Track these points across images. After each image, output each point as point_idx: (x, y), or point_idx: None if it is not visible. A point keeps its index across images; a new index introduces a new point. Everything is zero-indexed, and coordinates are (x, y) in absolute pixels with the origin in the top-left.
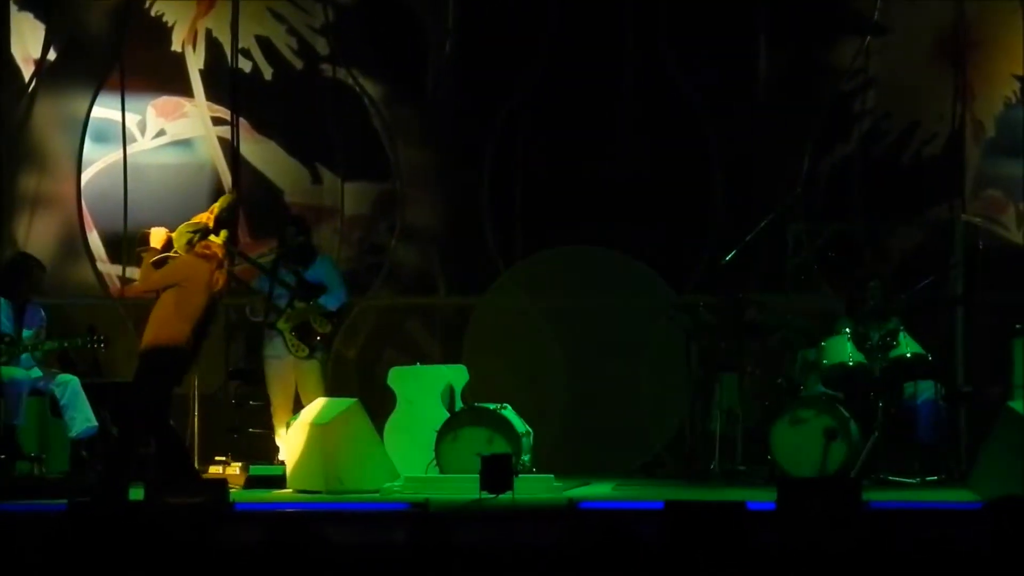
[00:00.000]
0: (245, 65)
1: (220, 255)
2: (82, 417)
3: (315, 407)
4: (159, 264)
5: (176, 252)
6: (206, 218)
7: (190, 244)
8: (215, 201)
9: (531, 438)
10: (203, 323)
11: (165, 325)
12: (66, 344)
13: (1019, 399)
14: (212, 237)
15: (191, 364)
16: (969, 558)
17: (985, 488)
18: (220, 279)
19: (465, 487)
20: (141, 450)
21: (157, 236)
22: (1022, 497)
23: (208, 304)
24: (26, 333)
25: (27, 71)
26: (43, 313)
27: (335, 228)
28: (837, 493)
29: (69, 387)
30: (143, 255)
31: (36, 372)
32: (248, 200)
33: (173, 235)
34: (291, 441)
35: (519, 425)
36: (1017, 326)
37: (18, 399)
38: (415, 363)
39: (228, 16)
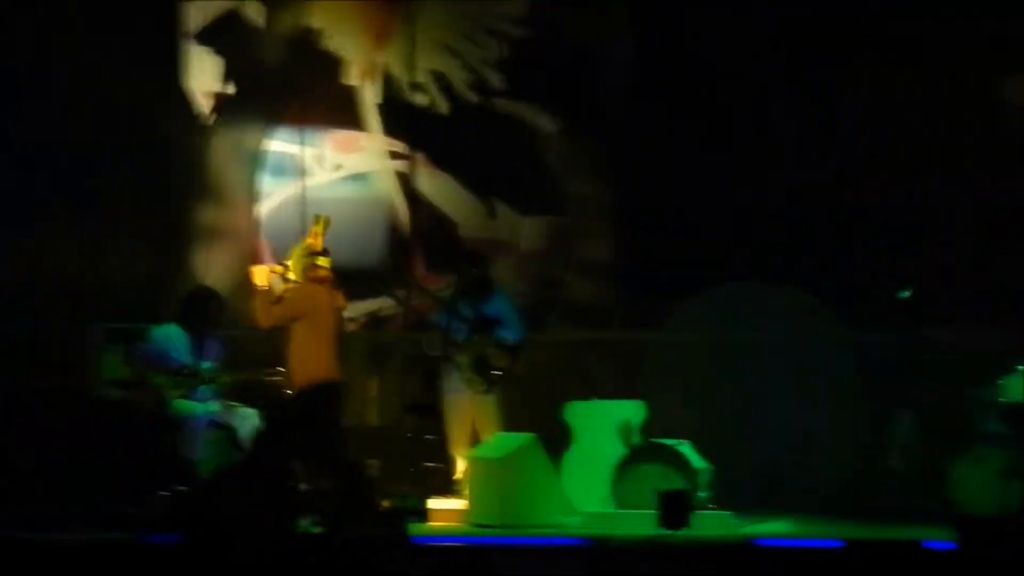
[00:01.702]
0: (421, 99)
1: (330, 275)
2: None
3: (492, 442)
4: (276, 300)
5: (291, 281)
6: (311, 241)
7: (309, 269)
8: (390, 234)
9: (709, 474)
10: (337, 346)
11: (312, 359)
12: (244, 377)
13: None
14: (320, 259)
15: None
16: None
17: None
18: (338, 298)
19: (642, 523)
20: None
21: (260, 274)
22: None
23: (336, 326)
24: (205, 365)
25: (206, 104)
26: (221, 345)
27: (511, 263)
28: (1017, 532)
29: (248, 421)
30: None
31: (213, 406)
32: (424, 234)
33: (290, 263)
34: (469, 476)
35: (696, 461)
36: None
37: (197, 433)
38: (592, 398)
39: (403, 50)
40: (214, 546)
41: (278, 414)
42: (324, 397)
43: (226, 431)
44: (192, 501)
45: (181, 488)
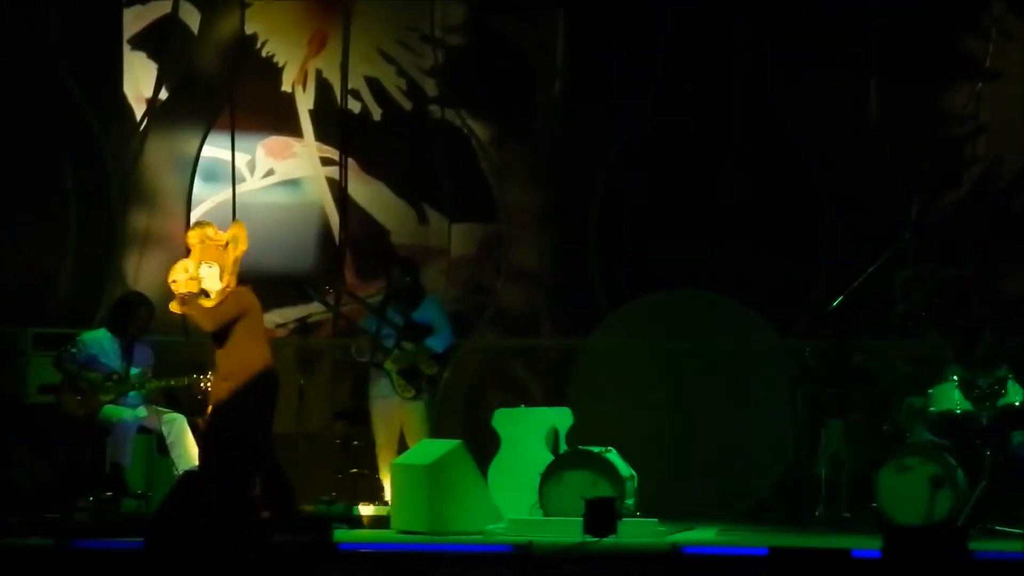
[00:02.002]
0: (354, 106)
1: None
2: (188, 455)
3: (419, 448)
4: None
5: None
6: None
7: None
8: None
9: (635, 482)
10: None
11: (249, 353)
12: (172, 383)
13: None
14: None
15: None
16: None
17: None
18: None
19: (568, 530)
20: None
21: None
22: None
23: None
24: (134, 371)
25: (139, 110)
26: (151, 351)
27: (442, 269)
28: (944, 542)
29: (175, 425)
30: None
31: (141, 411)
32: (355, 241)
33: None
34: (395, 482)
35: (623, 469)
36: None
37: (126, 439)
38: (520, 405)
39: (338, 57)
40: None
41: (227, 415)
42: (268, 386)
43: (155, 436)
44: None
45: (108, 493)
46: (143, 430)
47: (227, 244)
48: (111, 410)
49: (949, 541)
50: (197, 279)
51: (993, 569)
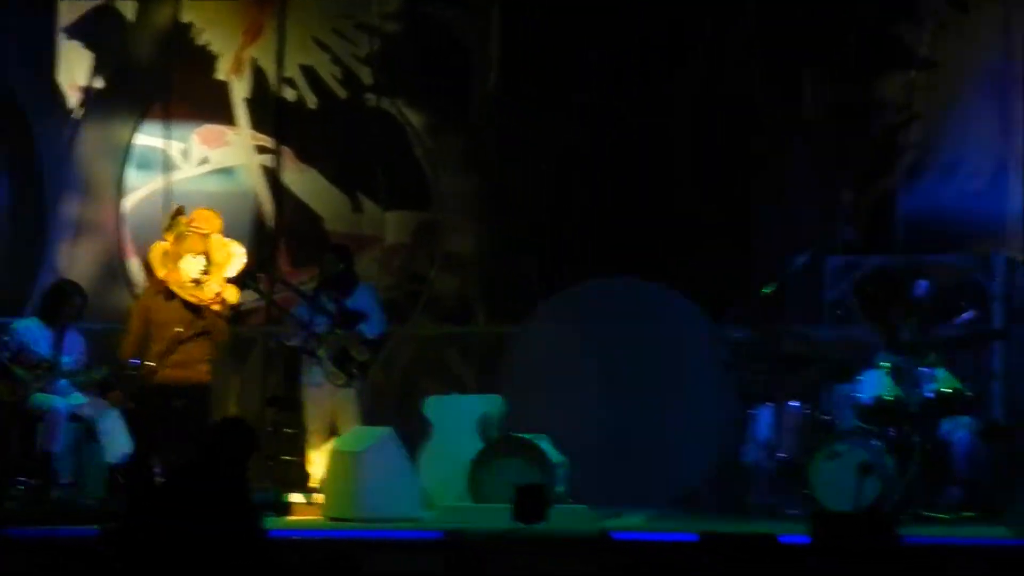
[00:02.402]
0: (289, 94)
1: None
2: (119, 443)
3: (351, 435)
4: None
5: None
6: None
7: None
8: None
9: (566, 468)
10: None
11: None
12: (104, 372)
13: None
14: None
15: None
16: None
17: (1021, 525)
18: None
19: (499, 517)
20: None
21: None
22: None
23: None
24: (66, 359)
25: (74, 99)
26: (83, 339)
27: (375, 257)
28: (872, 527)
29: (107, 414)
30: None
31: (77, 398)
32: (290, 228)
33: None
34: (326, 469)
35: (554, 455)
36: None
37: (56, 427)
38: (451, 392)
39: (273, 46)
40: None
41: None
42: None
43: (84, 425)
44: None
45: (37, 481)
46: (74, 418)
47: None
48: (41, 398)
49: (877, 527)
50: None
51: (921, 554)
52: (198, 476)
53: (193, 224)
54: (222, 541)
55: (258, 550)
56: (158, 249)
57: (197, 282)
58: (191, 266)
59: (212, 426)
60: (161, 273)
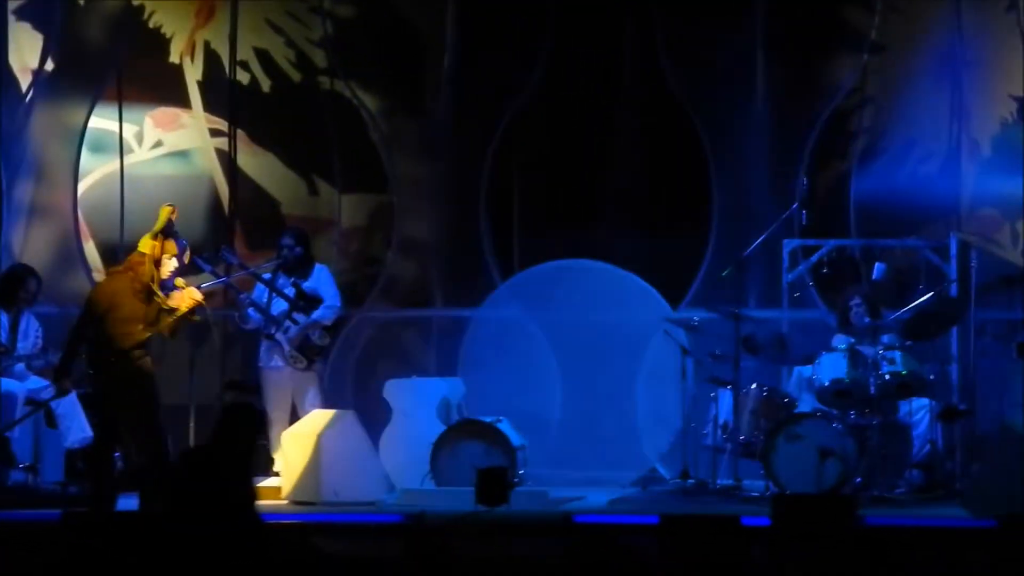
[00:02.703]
0: (243, 77)
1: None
2: (77, 427)
3: (311, 418)
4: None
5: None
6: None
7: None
8: (211, 212)
9: (527, 451)
10: None
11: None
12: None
13: (1017, 417)
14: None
15: None
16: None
17: (978, 506)
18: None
19: (461, 500)
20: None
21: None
22: None
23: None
24: (22, 343)
25: (24, 81)
26: (38, 323)
27: (332, 240)
28: (832, 509)
29: (66, 397)
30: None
31: (32, 383)
32: (245, 212)
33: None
34: (287, 452)
35: (515, 438)
36: (1020, 342)
37: (13, 410)
38: (411, 375)
39: (226, 28)
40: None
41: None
42: None
43: (42, 408)
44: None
45: None
46: (31, 402)
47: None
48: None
49: (837, 509)
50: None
51: (880, 535)
52: (207, 459)
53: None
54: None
55: (259, 536)
56: (157, 245)
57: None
58: (166, 267)
59: (221, 409)
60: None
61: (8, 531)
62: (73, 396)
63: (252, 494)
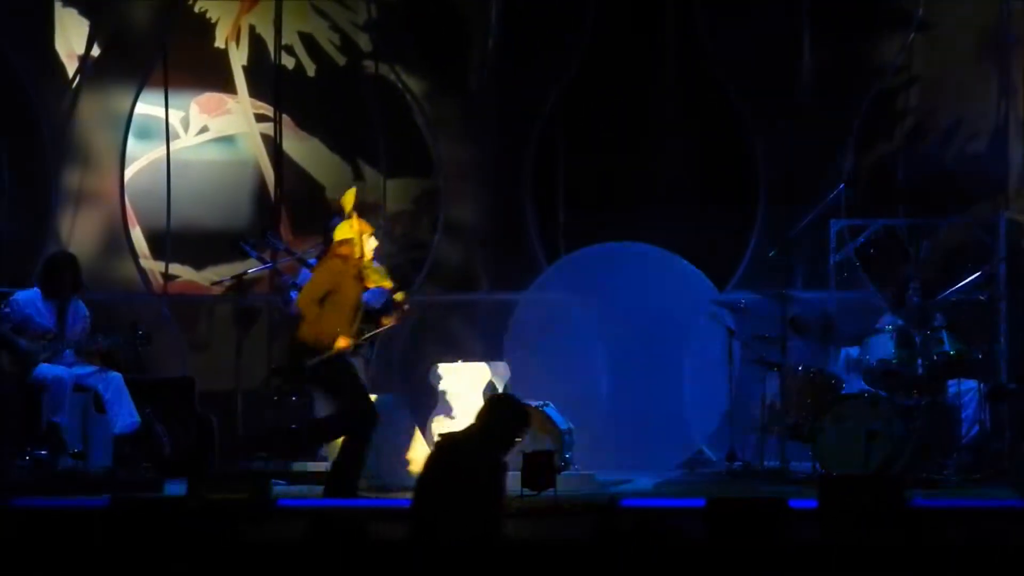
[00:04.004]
0: (288, 62)
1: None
2: (125, 413)
3: None
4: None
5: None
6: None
7: None
8: (257, 197)
9: (573, 435)
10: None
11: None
12: (108, 341)
13: None
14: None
15: None
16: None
17: None
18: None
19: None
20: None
21: None
22: None
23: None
24: (71, 330)
25: (71, 67)
26: (86, 310)
27: (377, 224)
28: (879, 490)
29: (112, 383)
30: None
31: (80, 369)
32: (290, 196)
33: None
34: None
35: (561, 422)
36: None
37: (62, 396)
38: (457, 360)
39: (271, 13)
40: None
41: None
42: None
43: (91, 394)
44: None
45: (44, 452)
46: (79, 388)
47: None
48: (46, 368)
49: (885, 490)
50: None
51: (929, 517)
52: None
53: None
54: (231, 510)
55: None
56: (354, 226)
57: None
58: (369, 244)
59: (486, 402)
60: (357, 252)
61: (57, 517)
62: (120, 382)
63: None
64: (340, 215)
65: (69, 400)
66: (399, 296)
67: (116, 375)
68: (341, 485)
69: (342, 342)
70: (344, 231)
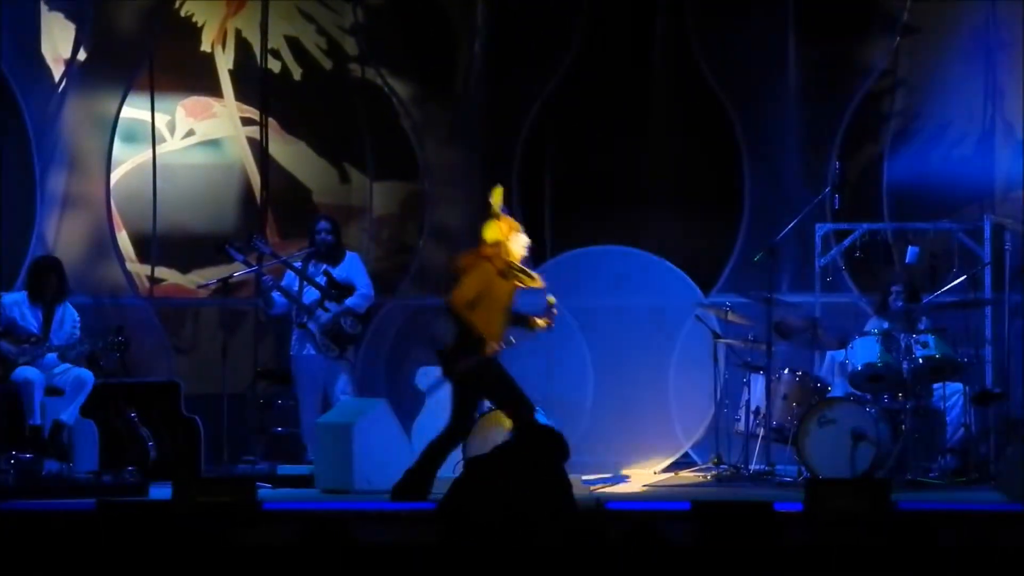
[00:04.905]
0: (274, 65)
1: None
2: (71, 409)
3: (343, 407)
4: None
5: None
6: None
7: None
8: (243, 201)
9: None
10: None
11: None
12: (83, 347)
13: None
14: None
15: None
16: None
17: (1013, 489)
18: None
19: None
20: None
21: None
22: None
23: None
24: (57, 333)
25: (57, 71)
26: (76, 315)
27: (364, 228)
28: (865, 493)
29: (72, 380)
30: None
31: (58, 370)
32: (277, 200)
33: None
34: (319, 441)
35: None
36: None
37: (31, 399)
38: None
39: (257, 16)
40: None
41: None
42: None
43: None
44: None
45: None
46: (52, 390)
47: None
48: (20, 371)
49: (870, 493)
50: None
51: (914, 519)
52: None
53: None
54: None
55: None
56: (502, 226)
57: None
58: (518, 243)
59: (520, 431)
60: (505, 253)
61: (43, 521)
62: (82, 379)
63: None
64: (328, 219)
65: (46, 402)
66: (551, 299)
67: (84, 374)
68: (415, 486)
69: (491, 346)
70: (494, 232)
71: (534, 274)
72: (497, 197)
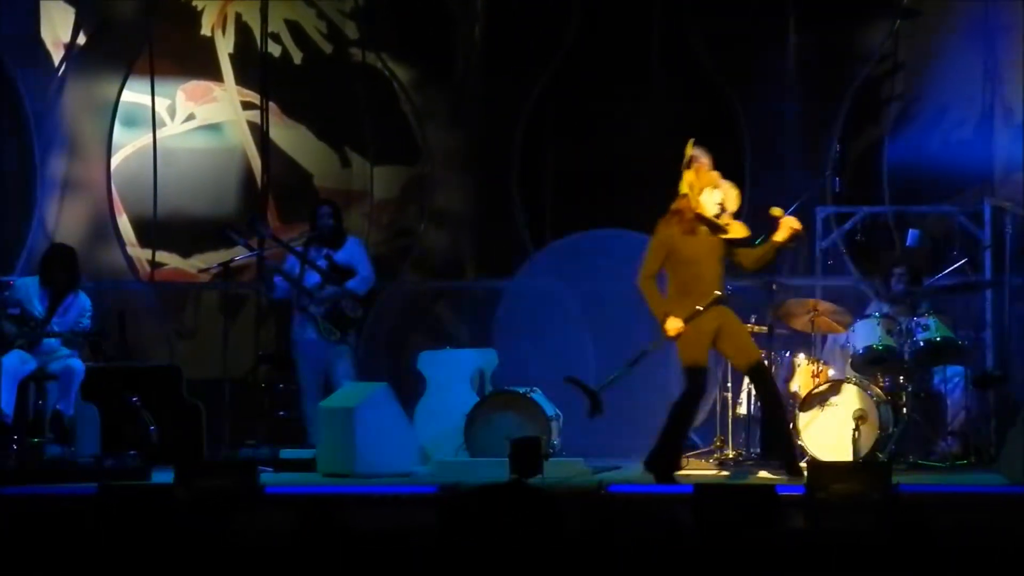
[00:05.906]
0: (275, 49)
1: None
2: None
3: (344, 391)
4: None
5: None
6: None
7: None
8: (244, 185)
9: (560, 421)
10: None
11: None
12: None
13: None
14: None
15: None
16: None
17: (1014, 471)
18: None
19: (495, 471)
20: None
21: None
22: None
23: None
24: (62, 319)
25: (56, 55)
26: (85, 301)
27: (364, 212)
28: (866, 477)
29: (64, 368)
30: None
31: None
32: (278, 184)
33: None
34: (321, 425)
35: (548, 408)
36: None
37: (10, 384)
38: (444, 347)
39: (258, 0)
40: None
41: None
42: None
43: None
44: None
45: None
46: (48, 377)
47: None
48: (6, 357)
49: (871, 476)
50: None
51: (916, 502)
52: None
53: (703, 160)
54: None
55: None
56: (691, 178)
57: (717, 218)
58: (710, 200)
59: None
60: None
61: (45, 505)
62: (73, 369)
63: None
64: (330, 203)
65: (9, 391)
66: (776, 211)
67: (74, 363)
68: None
69: (671, 325)
70: (682, 184)
71: (733, 221)
72: (689, 149)
